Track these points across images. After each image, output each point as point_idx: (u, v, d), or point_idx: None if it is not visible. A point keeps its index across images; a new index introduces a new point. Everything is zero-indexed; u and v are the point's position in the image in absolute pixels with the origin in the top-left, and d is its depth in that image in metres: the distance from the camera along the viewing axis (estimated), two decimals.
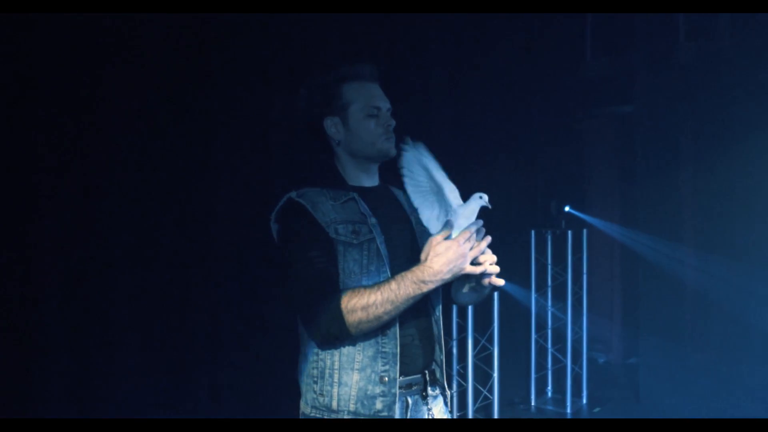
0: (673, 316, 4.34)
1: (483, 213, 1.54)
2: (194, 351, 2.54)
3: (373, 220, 1.61)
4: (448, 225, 1.51)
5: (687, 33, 4.39)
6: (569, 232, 4.17)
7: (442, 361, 1.73)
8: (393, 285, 1.47)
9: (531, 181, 4.37)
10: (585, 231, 4.27)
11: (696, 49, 4.33)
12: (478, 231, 1.51)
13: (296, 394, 1.68)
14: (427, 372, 1.66)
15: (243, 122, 2.67)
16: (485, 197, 1.55)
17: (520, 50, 4.53)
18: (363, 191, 1.67)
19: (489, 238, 1.52)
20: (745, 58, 4.10)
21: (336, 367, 1.57)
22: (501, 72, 4.23)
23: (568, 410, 4.15)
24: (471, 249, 1.48)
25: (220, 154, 2.63)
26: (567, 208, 4.16)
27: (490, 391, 3.69)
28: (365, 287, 1.49)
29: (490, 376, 3.69)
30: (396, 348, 1.58)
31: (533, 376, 4.36)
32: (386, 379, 1.57)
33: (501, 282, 1.55)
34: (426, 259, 1.48)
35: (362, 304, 1.46)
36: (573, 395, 4.23)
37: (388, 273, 1.58)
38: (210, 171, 2.59)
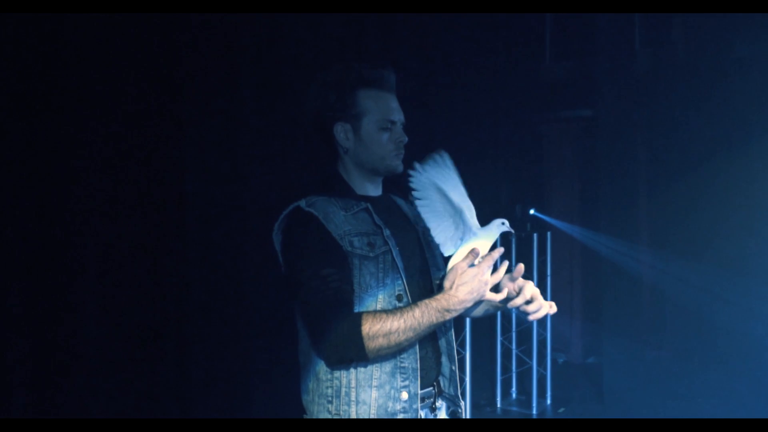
0: (633, 315, 4.45)
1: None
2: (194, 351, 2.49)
3: (387, 232, 1.55)
4: (473, 252, 1.47)
5: (643, 40, 4.51)
6: (534, 235, 4.22)
7: (453, 372, 1.69)
8: (417, 313, 1.42)
9: (495, 185, 4.40)
10: (549, 234, 4.34)
11: (652, 57, 4.46)
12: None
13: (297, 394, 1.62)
14: (435, 384, 1.63)
15: (238, 122, 2.59)
16: (507, 223, 1.52)
17: (480, 54, 4.55)
18: (371, 201, 1.61)
19: (506, 263, 1.48)
20: (698, 65, 4.25)
21: (353, 385, 1.50)
22: (462, 76, 4.24)
23: (534, 411, 4.20)
24: (493, 275, 1.44)
25: (215, 155, 2.54)
26: (532, 211, 4.21)
27: (462, 395, 3.67)
28: (386, 313, 1.43)
29: (461, 380, 3.69)
30: (416, 363, 1.53)
31: (499, 378, 4.39)
32: (407, 395, 1.52)
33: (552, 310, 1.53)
34: (451, 287, 1.44)
35: (384, 330, 1.40)
36: (537, 396, 4.27)
37: (403, 286, 1.53)
38: (199, 174, 2.49)
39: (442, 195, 1.50)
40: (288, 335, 2.80)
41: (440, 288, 1.51)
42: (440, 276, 1.56)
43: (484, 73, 4.52)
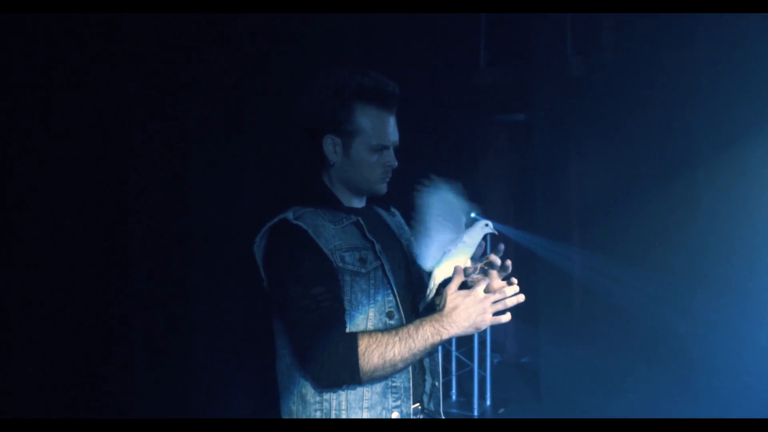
0: (566, 314, 4.58)
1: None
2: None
3: (379, 247, 1.48)
4: (447, 254, 1.42)
5: (575, 47, 4.64)
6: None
7: (435, 388, 1.64)
8: (413, 334, 1.35)
9: None
10: (488, 236, 4.36)
11: (583, 63, 4.60)
12: (504, 275, 1.41)
13: None
14: (420, 401, 1.59)
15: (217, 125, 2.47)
16: (491, 224, 1.48)
17: (415, 57, 4.54)
18: (360, 214, 1.54)
19: (516, 285, 1.39)
20: (626, 71, 4.42)
21: (343, 407, 1.43)
22: (397, 79, 4.19)
23: (475, 413, 4.23)
24: (495, 302, 1.36)
25: (158, 153, 2.42)
26: (473, 214, 4.23)
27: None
28: (382, 333, 1.36)
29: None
30: (408, 382, 1.48)
31: (441, 380, 4.38)
32: (398, 414, 1.46)
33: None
34: (444, 308, 1.37)
35: (380, 352, 1.34)
36: (478, 398, 4.31)
37: (394, 303, 1.47)
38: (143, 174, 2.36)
39: (446, 212, 1.44)
40: (238, 335, 2.74)
41: (433, 306, 1.46)
42: (428, 290, 1.51)
43: (419, 77, 4.51)
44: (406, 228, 1.68)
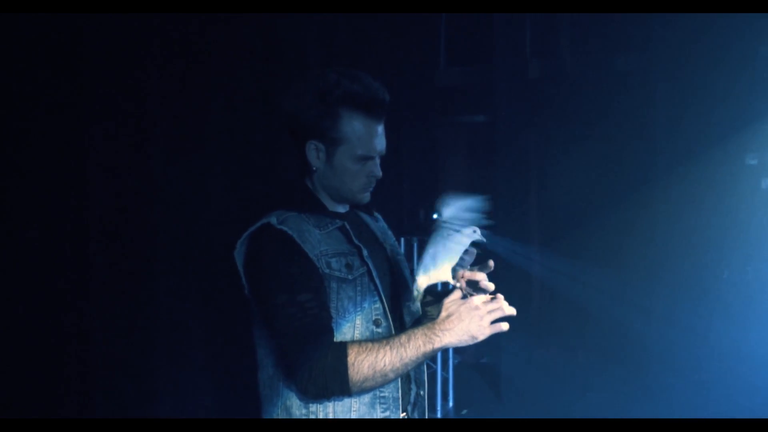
0: (525, 313, 4.60)
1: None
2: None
3: (365, 252, 1.44)
4: (432, 259, 1.38)
5: (533, 50, 4.70)
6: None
7: (420, 397, 1.61)
8: (403, 339, 1.30)
9: (397, 190, 4.37)
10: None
11: (542, 66, 4.66)
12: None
13: None
14: (405, 411, 1.55)
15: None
16: (478, 231, 1.45)
17: (375, 57, 4.51)
18: (345, 218, 1.49)
19: (501, 299, 1.35)
20: (583, 74, 4.50)
21: (330, 419, 1.38)
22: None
23: (438, 414, 4.22)
24: (491, 312, 1.32)
25: (119, 150, 2.35)
26: (435, 216, 4.22)
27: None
28: (371, 342, 1.31)
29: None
30: (397, 392, 1.44)
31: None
32: None
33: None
34: (439, 317, 1.33)
35: (370, 361, 1.28)
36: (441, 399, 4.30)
37: (381, 309, 1.43)
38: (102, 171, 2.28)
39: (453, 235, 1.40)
40: (199, 335, 2.68)
41: (425, 314, 1.43)
42: (413, 297, 1.47)
43: (378, 77, 4.48)
44: (390, 233, 1.65)
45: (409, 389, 1.55)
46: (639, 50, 4.20)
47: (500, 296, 1.35)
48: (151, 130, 2.50)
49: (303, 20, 3.38)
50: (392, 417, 1.43)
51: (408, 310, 1.51)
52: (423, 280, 1.42)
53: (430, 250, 1.39)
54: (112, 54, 2.20)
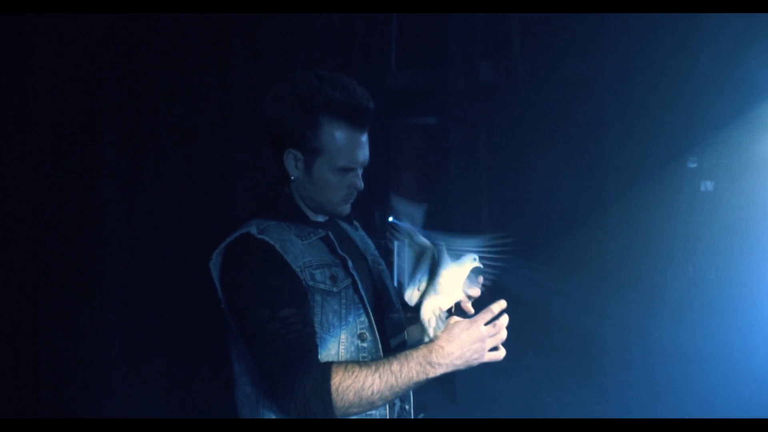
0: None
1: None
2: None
3: (350, 264, 1.38)
4: (433, 288, 1.34)
5: (485, 53, 4.73)
6: (395, 242, 4.20)
7: (404, 411, 1.57)
8: (395, 366, 1.23)
9: None
10: (406, 240, 4.34)
11: (493, 69, 4.70)
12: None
13: None
14: None
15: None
16: (477, 258, 1.41)
17: (325, 59, 4.45)
18: (326, 228, 1.43)
19: (506, 319, 1.33)
20: (534, 77, 4.57)
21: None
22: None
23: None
24: (494, 335, 1.29)
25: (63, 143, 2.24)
26: (391, 218, 4.19)
27: None
28: (359, 365, 1.23)
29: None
30: (385, 410, 1.40)
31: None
32: None
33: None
34: (437, 339, 1.27)
35: (356, 387, 1.21)
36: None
37: (367, 323, 1.37)
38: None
39: (417, 233, 1.35)
40: (149, 338, 2.60)
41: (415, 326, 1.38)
42: (396, 310, 1.42)
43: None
44: (369, 241, 1.60)
45: (394, 404, 1.51)
46: (588, 54, 4.28)
47: (503, 323, 1.31)
48: (101, 129, 2.41)
49: (257, 21, 3.32)
50: None
51: (391, 322, 1.47)
52: (427, 311, 1.36)
53: (437, 278, 1.34)
54: (62, 52, 2.09)
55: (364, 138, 1.37)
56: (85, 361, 2.37)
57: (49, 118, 2.13)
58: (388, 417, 1.41)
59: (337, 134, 1.32)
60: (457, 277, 1.36)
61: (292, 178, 1.36)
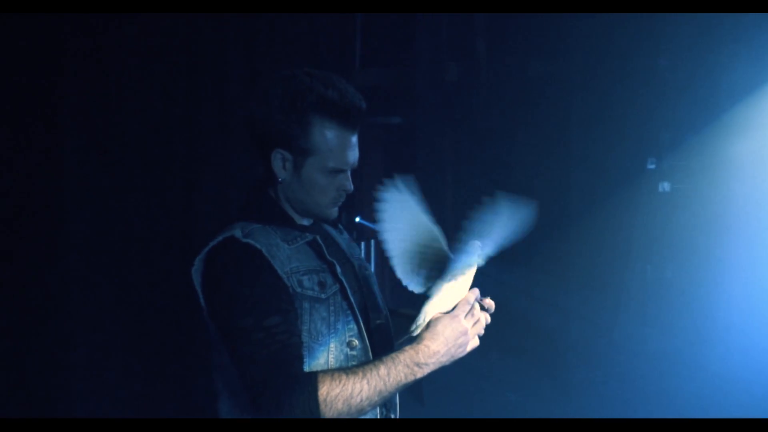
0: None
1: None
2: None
3: (338, 269, 1.35)
4: (441, 285, 1.32)
5: (450, 53, 4.74)
6: (362, 244, 4.17)
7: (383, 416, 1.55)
8: (382, 371, 1.21)
9: None
10: (372, 242, 4.33)
11: (459, 69, 4.71)
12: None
13: None
14: None
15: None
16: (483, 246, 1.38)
17: (290, 57, 4.40)
18: (313, 232, 1.40)
19: (491, 303, 1.33)
20: (499, 79, 4.60)
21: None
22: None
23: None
24: (474, 324, 1.28)
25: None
26: (357, 219, 4.16)
27: None
28: (345, 372, 1.20)
29: None
30: (375, 415, 1.37)
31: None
32: None
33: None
34: (421, 338, 1.26)
35: (345, 395, 1.18)
36: None
37: (356, 330, 1.34)
38: None
39: (411, 221, 1.32)
40: (113, 333, 2.53)
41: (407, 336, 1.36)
42: (415, 326, 1.39)
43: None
44: (354, 245, 1.57)
45: (379, 412, 1.48)
46: (552, 57, 4.33)
47: (478, 310, 1.30)
48: (64, 127, 2.32)
49: (222, 20, 3.25)
50: None
51: (379, 329, 1.44)
52: (431, 309, 1.33)
53: (450, 279, 1.31)
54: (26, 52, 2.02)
55: (355, 139, 1.35)
56: (60, 368, 2.31)
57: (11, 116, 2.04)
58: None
59: (328, 134, 1.28)
60: (467, 279, 1.33)
61: (280, 179, 1.32)
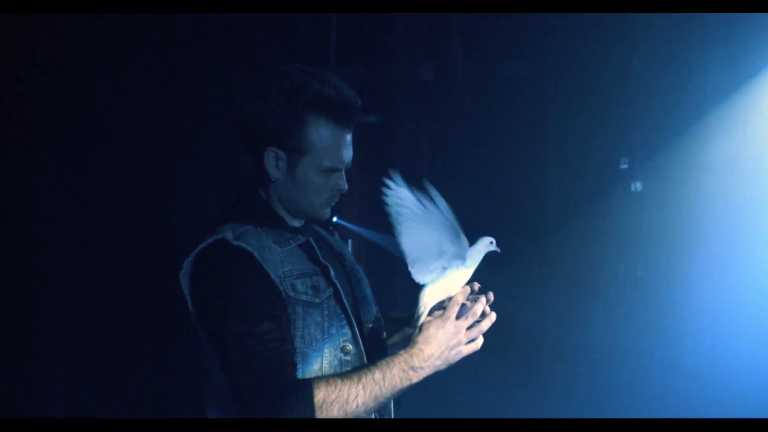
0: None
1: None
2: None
3: (332, 272, 1.33)
4: (444, 273, 1.31)
5: (426, 53, 4.73)
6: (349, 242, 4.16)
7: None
8: (377, 375, 1.19)
9: None
10: (350, 241, 4.31)
11: (434, 69, 4.71)
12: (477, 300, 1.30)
13: None
14: None
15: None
16: (495, 242, 1.38)
17: (264, 55, 4.35)
18: (305, 234, 1.37)
19: (485, 299, 1.31)
20: (474, 78, 4.61)
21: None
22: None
23: None
24: (470, 327, 1.27)
25: None
26: (335, 219, 4.14)
27: None
28: (341, 380, 1.18)
29: None
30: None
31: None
32: None
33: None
34: (414, 342, 1.24)
35: (341, 400, 1.16)
36: None
37: (350, 335, 1.32)
38: None
39: (423, 212, 1.29)
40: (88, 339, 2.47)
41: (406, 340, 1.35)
42: (417, 314, 1.37)
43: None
44: (345, 247, 1.55)
45: (376, 417, 1.47)
46: (528, 57, 4.36)
47: (477, 310, 1.29)
48: (38, 127, 2.25)
49: (199, 18, 3.20)
50: None
51: (372, 333, 1.43)
52: (429, 297, 1.32)
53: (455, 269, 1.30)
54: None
55: (350, 137, 1.32)
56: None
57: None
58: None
59: (324, 132, 1.26)
60: (471, 265, 1.33)
61: (273, 179, 1.29)
